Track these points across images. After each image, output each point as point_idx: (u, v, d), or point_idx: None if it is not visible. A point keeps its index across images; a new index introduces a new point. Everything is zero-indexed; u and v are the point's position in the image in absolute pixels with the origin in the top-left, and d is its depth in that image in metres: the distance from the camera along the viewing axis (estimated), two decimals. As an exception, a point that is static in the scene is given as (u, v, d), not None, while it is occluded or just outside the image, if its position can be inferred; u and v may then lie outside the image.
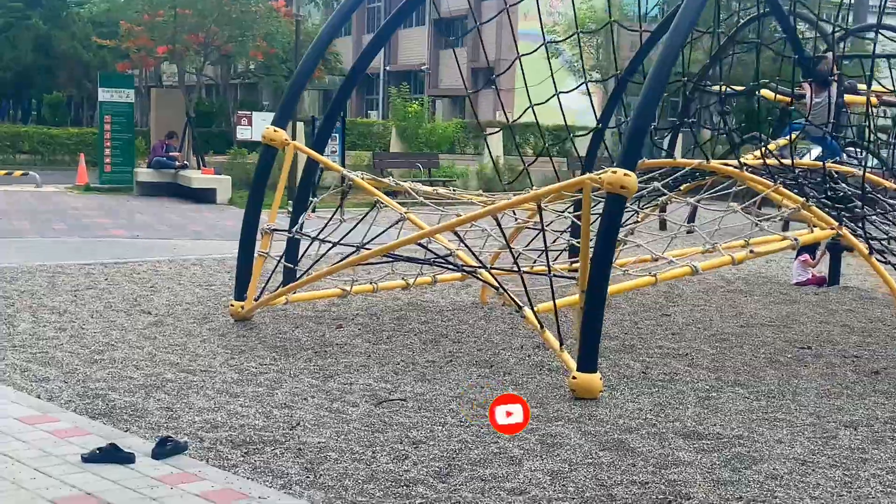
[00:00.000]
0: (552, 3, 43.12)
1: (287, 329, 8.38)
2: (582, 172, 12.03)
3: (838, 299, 10.77)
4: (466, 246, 7.11)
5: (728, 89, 13.09)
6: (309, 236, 8.13)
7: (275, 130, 8.39)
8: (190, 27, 27.04)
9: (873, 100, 13.20)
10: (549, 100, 9.90)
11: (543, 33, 9.22)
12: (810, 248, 11.90)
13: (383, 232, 8.01)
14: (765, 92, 14.15)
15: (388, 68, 50.05)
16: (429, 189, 8.79)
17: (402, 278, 9.11)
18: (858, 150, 12.85)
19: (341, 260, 8.19)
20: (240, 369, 7.05)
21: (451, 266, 7.29)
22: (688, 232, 14.28)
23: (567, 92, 8.84)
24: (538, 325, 6.84)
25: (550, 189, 6.81)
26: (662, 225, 14.26)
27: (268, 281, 8.79)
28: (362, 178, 8.35)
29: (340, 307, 9.39)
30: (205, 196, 20.66)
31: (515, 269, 6.79)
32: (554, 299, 6.73)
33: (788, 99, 14.96)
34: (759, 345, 8.38)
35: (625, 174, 6.22)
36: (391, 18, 9.61)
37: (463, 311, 9.46)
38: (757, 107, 11.81)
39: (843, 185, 8.28)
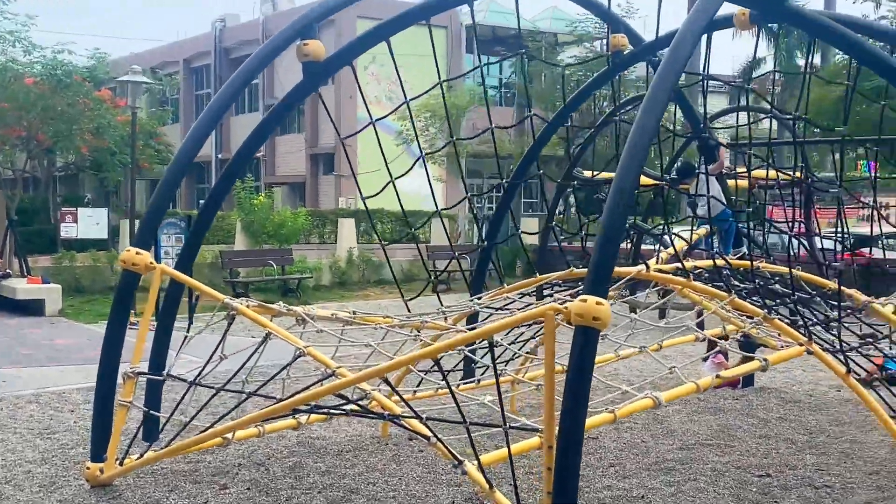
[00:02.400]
0: (391, 88, 42.73)
1: (159, 494, 6.82)
2: (474, 286, 10.94)
3: (762, 404, 9.92)
4: (392, 387, 5.80)
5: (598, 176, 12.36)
6: (184, 380, 6.65)
7: (137, 253, 6.92)
8: (10, 120, 24.86)
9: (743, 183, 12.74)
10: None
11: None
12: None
13: (278, 373, 6.61)
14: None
15: (219, 156, 48.14)
16: (325, 314, 7.44)
17: (293, 416, 7.70)
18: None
19: (229, 410, 6.73)
20: (109, 567, 5.49)
21: (372, 415, 5.96)
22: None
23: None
24: (486, 486, 5.57)
25: (505, 323, 5.61)
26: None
27: (135, 436, 7.24)
28: (247, 306, 6.95)
29: (219, 455, 7.87)
30: (32, 308, 18.52)
31: (460, 418, 5.51)
32: (510, 451, 5.48)
33: (654, 183, 14.42)
34: (713, 475, 7.33)
35: (597, 303, 5.08)
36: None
37: (365, 450, 8.08)
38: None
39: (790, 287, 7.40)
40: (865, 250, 17.74)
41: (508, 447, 5.49)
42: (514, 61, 32.26)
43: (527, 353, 8.76)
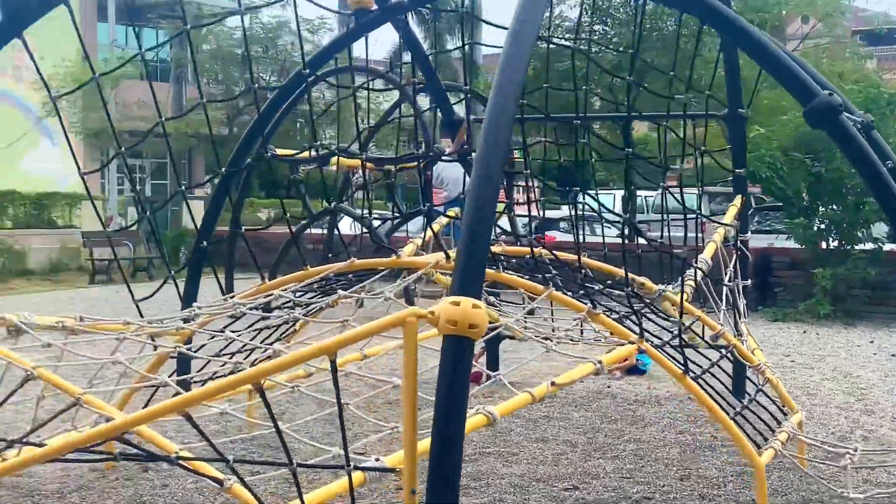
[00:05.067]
0: (16, 56, 38.65)
1: None
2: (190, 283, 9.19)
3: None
4: (194, 424, 4.33)
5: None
6: None
7: None
8: None
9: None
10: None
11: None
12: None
13: (5, 401, 4.89)
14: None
15: None
16: (48, 321, 5.72)
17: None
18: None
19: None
20: None
21: (158, 459, 4.44)
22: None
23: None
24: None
25: (355, 334, 4.29)
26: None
27: None
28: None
29: None
30: None
31: (286, 461, 4.17)
32: (353, 497, 4.23)
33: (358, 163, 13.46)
34: (517, 492, 6.45)
35: (473, 305, 3.96)
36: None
37: (92, 489, 6.41)
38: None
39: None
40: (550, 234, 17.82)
41: (352, 493, 4.23)
42: (168, 32, 29.91)
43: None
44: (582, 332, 7.10)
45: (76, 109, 27.71)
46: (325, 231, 15.05)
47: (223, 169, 6.41)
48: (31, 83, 31.92)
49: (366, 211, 9.44)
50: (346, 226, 16.41)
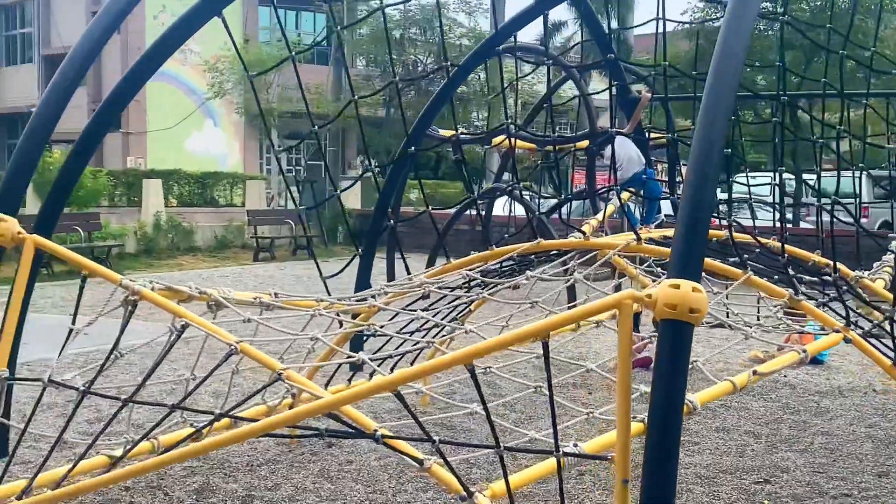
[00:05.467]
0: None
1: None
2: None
3: (690, 387, 8.96)
4: (403, 401, 4.32)
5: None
6: (74, 387, 4.92)
7: (1, 220, 5.16)
8: None
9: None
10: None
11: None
12: (636, 327, 10.15)
13: (205, 378, 4.99)
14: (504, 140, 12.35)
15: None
16: (246, 297, 5.84)
17: (192, 425, 6.08)
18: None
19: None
20: None
21: (364, 436, 4.47)
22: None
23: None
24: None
25: (568, 317, 4.23)
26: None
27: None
28: (152, 288, 5.26)
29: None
30: None
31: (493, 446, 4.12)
32: (561, 486, 4.15)
33: (532, 147, 13.32)
34: (704, 483, 6.27)
35: (693, 289, 3.82)
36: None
37: (280, 463, 6.55)
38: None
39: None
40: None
41: (560, 479, 4.16)
42: (328, 16, 30.34)
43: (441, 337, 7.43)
44: (759, 318, 6.92)
45: (239, 91, 28.43)
46: (483, 213, 14.96)
47: (412, 148, 6.39)
48: (195, 66, 32.85)
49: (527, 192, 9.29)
50: (499, 207, 16.38)
